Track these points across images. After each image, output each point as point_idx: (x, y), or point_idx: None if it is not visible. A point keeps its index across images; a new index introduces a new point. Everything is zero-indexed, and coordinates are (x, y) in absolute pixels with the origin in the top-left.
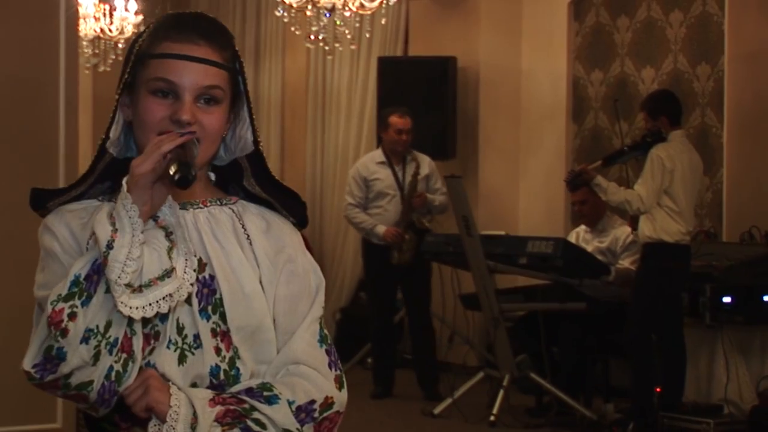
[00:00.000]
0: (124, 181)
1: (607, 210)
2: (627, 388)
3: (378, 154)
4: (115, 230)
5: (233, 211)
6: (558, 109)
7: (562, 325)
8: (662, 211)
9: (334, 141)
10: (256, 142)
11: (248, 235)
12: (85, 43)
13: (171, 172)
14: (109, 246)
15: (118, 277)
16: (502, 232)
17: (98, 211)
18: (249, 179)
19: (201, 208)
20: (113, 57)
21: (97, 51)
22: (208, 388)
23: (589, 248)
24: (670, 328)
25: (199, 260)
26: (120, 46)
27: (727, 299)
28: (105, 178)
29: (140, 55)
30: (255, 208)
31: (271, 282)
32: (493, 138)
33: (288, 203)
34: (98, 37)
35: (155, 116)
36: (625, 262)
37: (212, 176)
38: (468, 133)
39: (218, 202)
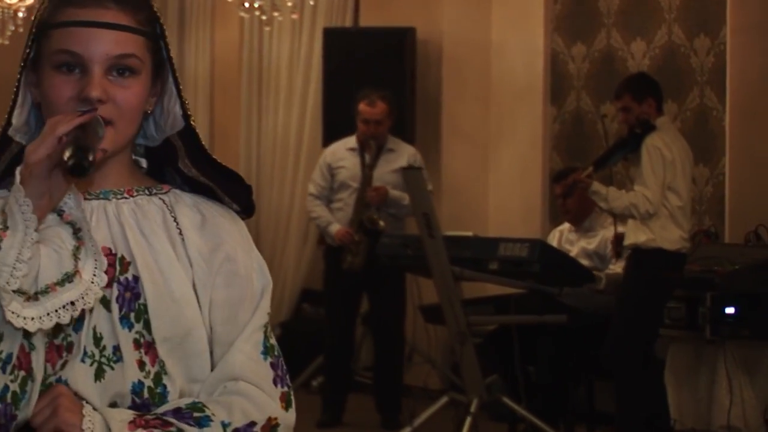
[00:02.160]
0: (17, 171)
1: (595, 207)
2: (613, 413)
3: (352, 140)
4: (5, 228)
5: (164, 202)
6: (534, 89)
7: (540, 340)
8: (662, 213)
9: (273, 126)
10: (186, 116)
11: (180, 231)
12: None
13: (65, 158)
14: None
15: (6, 283)
16: (470, 233)
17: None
18: (183, 160)
19: (126, 198)
20: (12, 28)
21: None
22: (129, 407)
23: (574, 250)
24: (648, 343)
25: (122, 258)
26: (21, 15)
27: (730, 310)
28: (13, 170)
29: (42, 24)
30: (190, 198)
31: (205, 285)
32: (458, 123)
33: (230, 188)
34: None
35: (61, 95)
36: (617, 267)
37: (142, 162)
38: (429, 116)
39: (146, 192)
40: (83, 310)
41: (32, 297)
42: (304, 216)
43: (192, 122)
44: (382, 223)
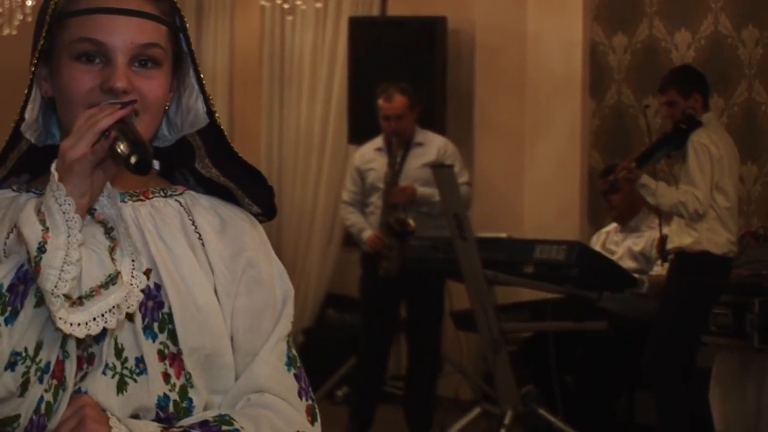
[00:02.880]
0: (53, 168)
1: (643, 206)
2: (655, 425)
3: (379, 140)
4: (47, 229)
5: (181, 204)
6: (572, 81)
7: (578, 348)
8: (709, 215)
9: (296, 121)
10: (210, 113)
11: (200, 235)
12: None
13: (123, 154)
14: (41, 249)
15: (55, 287)
16: (503, 235)
17: (15, 204)
18: (203, 160)
19: (142, 200)
20: (20, 17)
21: (0, 10)
22: (152, 421)
23: (620, 251)
24: (690, 352)
25: (142, 265)
26: (29, 3)
27: None
28: (21, 170)
29: (58, 13)
30: (206, 201)
31: (228, 292)
32: (491, 118)
33: (252, 189)
34: None
35: (82, 87)
36: (661, 269)
37: (156, 164)
38: (461, 111)
39: (162, 193)
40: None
41: (76, 302)
42: (329, 216)
43: (217, 119)
44: (411, 223)
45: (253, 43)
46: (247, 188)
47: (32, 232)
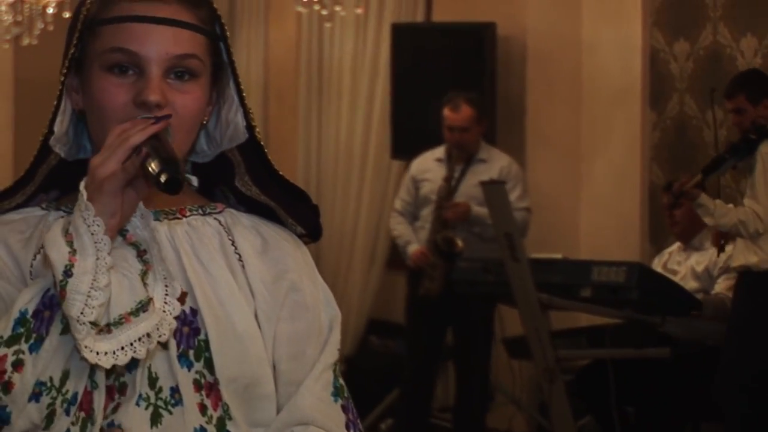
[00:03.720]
0: (82, 186)
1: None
2: None
3: (441, 150)
4: (74, 252)
5: (220, 223)
6: (631, 91)
7: (640, 377)
8: None
9: (335, 134)
10: (250, 128)
11: (240, 256)
12: (3, 8)
13: (153, 172)
14: (68, 273)
15: (81, 313)
16: (559, 256)
17: (44, 223)
18: (243, 177)
19: (178, 218)
20: (41, 26)
21: (19, 18)
22: None
23: (682, 271)
24: (762, 379)
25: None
26: (50, 11)
27: None
28: (50, 186)
29: (89, 21)
30: (247, 219)
31: (269, 317)
32: (545, 130)
33: (296, 208)
34: (20, 0)
35: (115, 100)
36: (721, 287)
37: (194, 180)
38: (512, 123)
39: (200, 211)
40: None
41: (104, 329)
42: (371, 236)
43: (257, 134)
44: (459, 243)
45: (288, 52)
46: (290, 208)
47: (58, 254)
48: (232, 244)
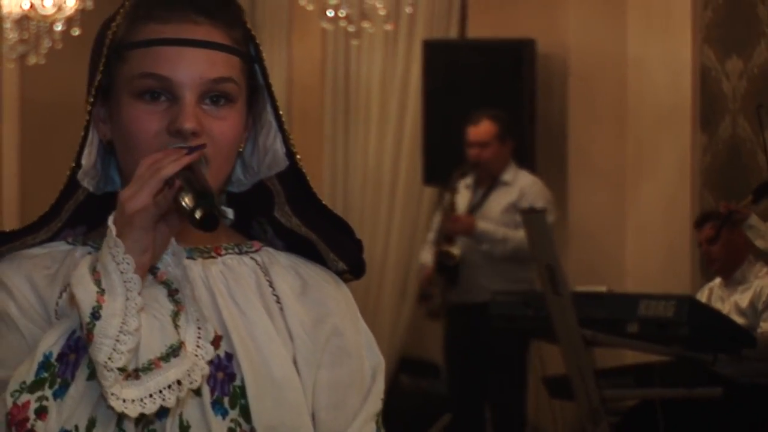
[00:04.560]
0: (110, 221)
1: (749, 254)
2: None
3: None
4: (102, 291)
5: (257, 262)
6: (680, 112)
7: (690, 418)
8: None
9: (362, 157)
10: (290, 154)
11: (278, 298)
12: (8, 24)
13: (187, 207)
14: (95, 315)
15: (109, 359)
16: (603, 288)
17: (70, 258)
18: (282, 208)
19: (213, 257)
20: (48, 44)
21: (25, 35)
22: None
23: (726, 308)
24: None
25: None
26: (57, 28)
27: None
28: (77, 221)
29: (116, 45)
30: (286, 259)
31: (309, 364)
32: (588, 154)
33: (338, 242)
34: (26, 17)
35: (146, 129)
36: None
37: (230, 212)
38: (552, 147)
39: (236, 250)
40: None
41: (132, 375)
42: (401, 268)
43: (298, 161)
44: (455, 252)
45: (313, 71)
46: (332, 241)
47: (86, 294)
48: (270, 285)
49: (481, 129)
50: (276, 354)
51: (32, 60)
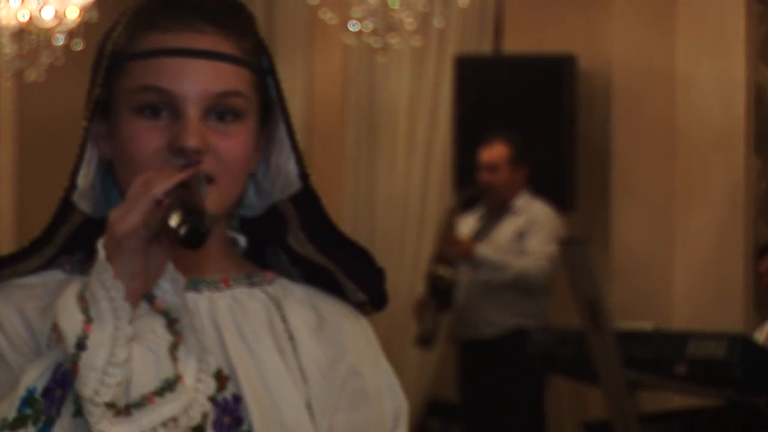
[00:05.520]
0: (99, 245)
1: None
2: None
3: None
4: (89, 320)
5: (269, 295)
6: (732, 134)
7: None
8: None
9: (387, 181)
10: (303, 176)
11: (291, 335)
12: (4, 39)
13: (173, 225)
14: (81, 345)
15: (95, 393)
16: (649, 326)
17: (63, 288)
18: (296, 234)
19: (221, 289)
20: (48, 59)
21: (23, 50)
22: None
23: None
24: None
25: (219, 372)
26: (58, 42)
27: None
28: (74, 247)
29: (115, 56)
30: (302, 291)
31: (324, 407)
32: (633, 179)
33: (357, 271)
34: (24, 29)
35: (146, 147)
36: None
37: (242, 240)
38: (595, 172)
39: (246, 281)
40: None
41: (123, 411)
42: None
43: (312, 183)
44: (443, 273)
45: (335, 89)
46: (351, 270)
47: (70, 323)
48: (283, 321)
49: (493, 152)
50: (287, 396)
51: (31, 76)
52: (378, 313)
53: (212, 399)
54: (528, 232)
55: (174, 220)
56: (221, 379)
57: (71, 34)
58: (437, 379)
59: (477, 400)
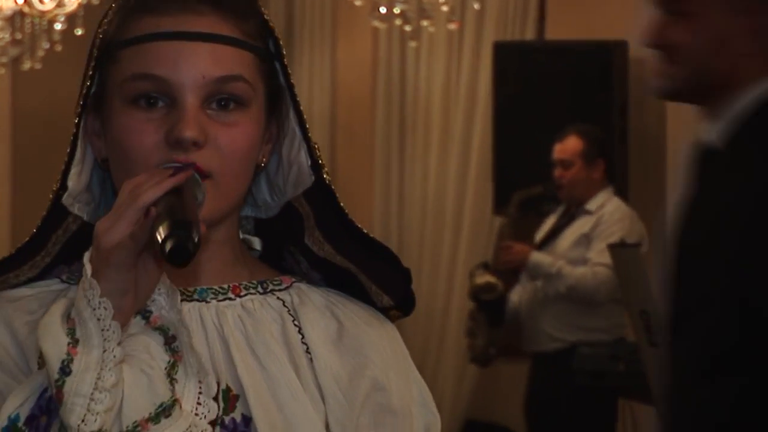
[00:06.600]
0: (86, 258)
1: None
2: None
3: None
4: (75, 342)
5: (284, 303)
6: None
7: None
8: None
9: (421, 181)
10: (316, 167)
11: (307, 347)
12: None
13: (159, 239)
14: (65, 370)
15: (82, 422)
16: None
17: (53, 303)
18: (313, 233)
19: (230, 299)
20: (46, 46)
21: (18, 36)
22: None
23: None
24: None
25: (226, 390)
26: (57, 26)
27: None
28: (72, 256)
29: (106, 44)
30: (320, 297)
31: (344, 426)
32: None
33: (380, 271)
34: (20, 12)
35: (141, 140)
36: None
37: (256, 242)
38: (648, 166)
39: (259, 289)
40: None
41: None
42: (467, 314)
43: (325, 175)
44: (483, 280)
45: (362, 77)
46: (373, 271)
47: (54, 345)
48: (299, 331)
49: (565, 145)
50: (302, 417)
51: (27, 64)
52: (404, 318)
53: (219, 421)
54: (594, 236)
55: (160, 233)
56: (229, 398)
57: (71, 18)
58: (475, 398)
59: (539, 422)
